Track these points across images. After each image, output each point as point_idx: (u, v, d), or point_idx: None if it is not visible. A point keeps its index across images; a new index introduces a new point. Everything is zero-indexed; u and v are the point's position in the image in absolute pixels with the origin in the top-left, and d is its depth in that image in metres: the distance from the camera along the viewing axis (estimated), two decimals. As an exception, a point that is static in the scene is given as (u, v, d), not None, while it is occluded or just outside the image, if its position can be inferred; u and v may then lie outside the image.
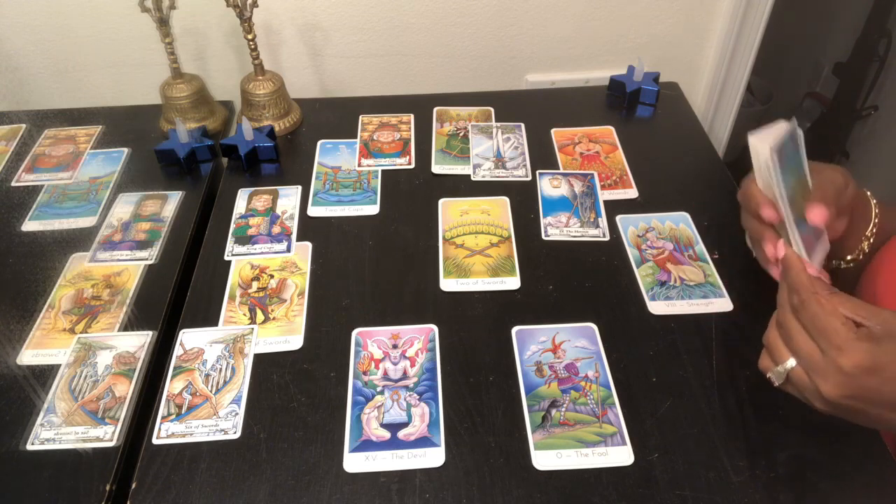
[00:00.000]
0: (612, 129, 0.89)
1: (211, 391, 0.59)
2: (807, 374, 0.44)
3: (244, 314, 0.66)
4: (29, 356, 0.62)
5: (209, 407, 0.58)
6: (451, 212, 0.77)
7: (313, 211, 0.77)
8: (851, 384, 0.42)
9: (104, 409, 0.58)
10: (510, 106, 0.93)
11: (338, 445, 0.55)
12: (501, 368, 0.60)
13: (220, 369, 0.61)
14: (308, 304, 0.66)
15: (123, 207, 0.78)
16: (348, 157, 0.85)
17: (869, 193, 0.61)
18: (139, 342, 0.63)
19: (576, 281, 0.68)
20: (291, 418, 0.57)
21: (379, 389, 0.59)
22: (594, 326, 0.63)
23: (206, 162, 0.85)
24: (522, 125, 0.89)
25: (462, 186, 0.81)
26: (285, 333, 0.64)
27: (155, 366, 0.62)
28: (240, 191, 0.80)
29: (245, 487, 0.52)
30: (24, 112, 0.96)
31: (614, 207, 0.76)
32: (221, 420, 0.57)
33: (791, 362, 0.46)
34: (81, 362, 0.61)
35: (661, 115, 0.92)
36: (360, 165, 0.84)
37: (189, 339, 0.63)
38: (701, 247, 0.71)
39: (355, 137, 0.88)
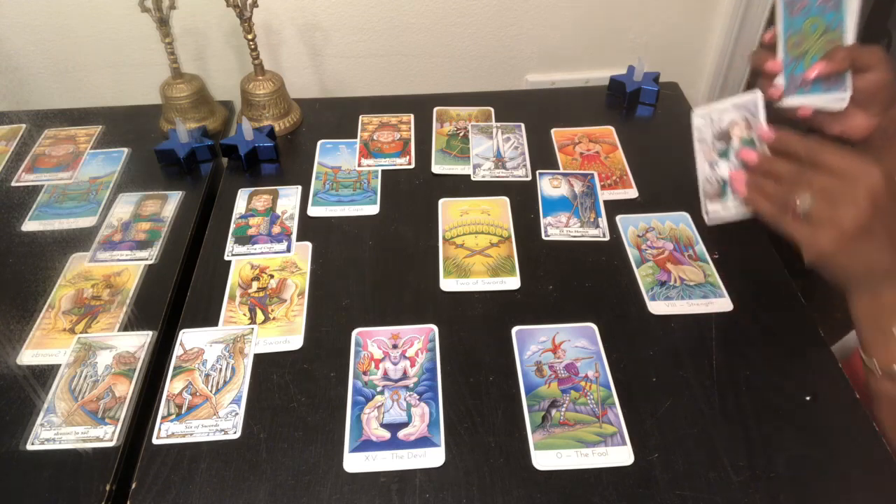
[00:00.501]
0: (612, 129, 0.89)
1: (211, 391, 0.59)
2: (829, 203, 0.52)
3: (244, 314, 0.66)
4: (29, 356, 0.62)
5: (209, 407, 0.58)
6: (451, 212, 0.77)
7: (313, 211, 0.77)
8: (882, 191, 0.51)
9: (104, 409, 0.58)
10: (510, 106, 0.93)
11: (338, 445, 0.55)
12: (501, 368, 0.60)
13: (220, 369, 0.61)
14: (308, 304, 0.66)
15: (123, 207, 0.78)
16: (348, 157, 0.85)
17: None
18: (139, 342, 0.63)
19: (576, 281, 0.68)
20: (291, 418, 0.57)
21: (379, 389, 0.59)
22: (594, 326, 0.63)
23: (206, 162, 0.85)
24: (522, 125, 0.89)
25: (462, 186, 0.81)
26: (285, 333, 0.64)
27: (155, 366, 0.62)
28: (240, 191, 0.80)
29: (245, 487, 0.52)
30: (24, 112, 0.96)
31: (614, 207, 0.76)
32: (221, 420, 0.57)
33: (809, 198, 0.53)
34: (81, 362, 0.61)
35: (661, 115, 0.92)
36: (360, 165, 0.84)
37: (189, 339, 0.63)
38: (701, 247, 0.71)
39: (355, 137, 0.88)
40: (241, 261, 0.71)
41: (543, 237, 0.73)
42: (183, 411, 0.57)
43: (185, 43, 0.93)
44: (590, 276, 0.69)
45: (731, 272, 0.68)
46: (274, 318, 0.65)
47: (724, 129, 0.62)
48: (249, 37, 0.83)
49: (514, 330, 0.63)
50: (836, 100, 0.62)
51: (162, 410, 0.58)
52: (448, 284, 0.68)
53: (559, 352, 0.61)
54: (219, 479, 0.53)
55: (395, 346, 0.62)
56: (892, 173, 0.53)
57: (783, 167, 0.55)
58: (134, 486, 0.53)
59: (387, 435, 0.55)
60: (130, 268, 0.71)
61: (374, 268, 0.70)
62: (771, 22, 0.97)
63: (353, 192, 0.80)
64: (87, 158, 0.86)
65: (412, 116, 0.91)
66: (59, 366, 0.61)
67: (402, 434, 0.56)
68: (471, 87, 1.04)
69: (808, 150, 0.54)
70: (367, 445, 0.55)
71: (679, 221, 0.74)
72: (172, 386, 0.59)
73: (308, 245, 0.73)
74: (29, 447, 0.55)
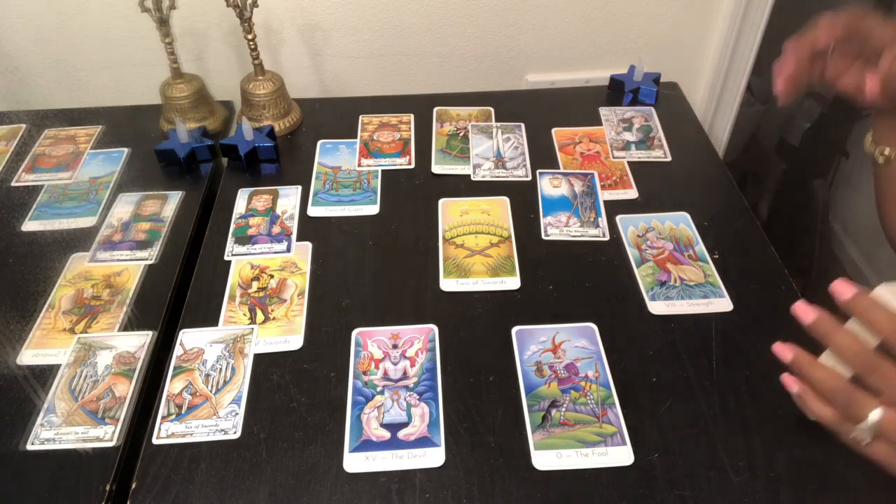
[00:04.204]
0: (612, 129, 0.89)
1: (211, 391, 0.59)
2: None
3: (244, 314, 0.66)
4: (29, 356, 0.62)
5: (209, 407, 0.58)
6: (451, 212, 0.77)
7: (313, 211, 0.77)
8: None
9: (104, 409, 0.58)
10: (510, 106, 0.93)
11: (338, 445, 0.55)
12: (501, 368, 0.60)
13: (220, 369, 0.61)
14: (308, 304, 0.66)
15: (123, 207, 0.78)
16: (348, 157, 0.85)
17: None
18: (139, 342, 0.63)
19: (576, 281, 0.68)
20: (291, 418, 0.57)
21: (379, 389, 0.59)
22: (594, 326, 0.63)
23: (206, 162, 0.85)
24: (522, 125, 0.89)
25: (462, 186, 0.81)
26: (285, 333, 0.64)
27: (155, 366, 0.62)
28: (240, 191, 0.80)
29: (245, 487, 0.52)
30: (24, 112, 0.96)
31: (614, 207, 0.76)
32: (221, 420, 0.57)
33: (878, 412, 0.40)
34: (81, 362, 0.61)
35: (661, 115, 0.92)
36: (360, 165, 0.84)
37: (189, 339, 0.63)
38: (701, 247, 0.71)
39: (355, 137, 0.88)
40: (241, 261, 0.71)
41: (543, 237, 0.73)
42: (183, 411, 0.57)
43: (185, 43, 0.93)
44: (590, 276, 0.69)
45: (731, 272, 0.68)
46: (274, 318, 0.65)
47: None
48: (249, 37, 0.83)
49: (514, 330, 0.63)
50: None
51: (162, 410, 0.58)
52: (448, 284, 0.68)
53: (559, 352, 0.61)
54: (219, 479, 0.53)
55: (395, 346, 0.62)
56: None
57: (852, 347, 0.42)
58: (134, 486, 0.53)
59: (387, 435, 0.55)
60: (130, 268, 0.71)
61: (374, 268, 0.70)
62: (770, 24, 0.97)
63: (353, 192, 0.80)
64: (87, 158, 0.86)
65: (412, 116, 0.91)
66: (59, 366, 0.61)
67: (402, 434, 0.56)
68: (471, 87, 1.04)
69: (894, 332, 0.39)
70: (367, 445, 0.55)
71: (679, 221, 0.74)
72: (172, 386, 0.59)
73: (308, 245, 0.73)
74: (29, 447, 0.55)
